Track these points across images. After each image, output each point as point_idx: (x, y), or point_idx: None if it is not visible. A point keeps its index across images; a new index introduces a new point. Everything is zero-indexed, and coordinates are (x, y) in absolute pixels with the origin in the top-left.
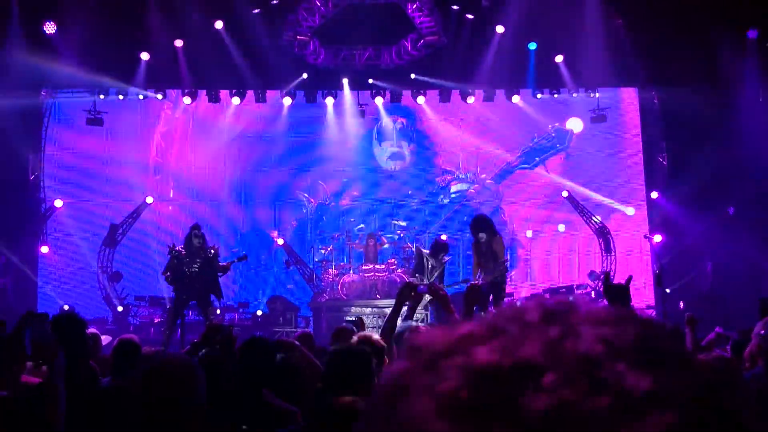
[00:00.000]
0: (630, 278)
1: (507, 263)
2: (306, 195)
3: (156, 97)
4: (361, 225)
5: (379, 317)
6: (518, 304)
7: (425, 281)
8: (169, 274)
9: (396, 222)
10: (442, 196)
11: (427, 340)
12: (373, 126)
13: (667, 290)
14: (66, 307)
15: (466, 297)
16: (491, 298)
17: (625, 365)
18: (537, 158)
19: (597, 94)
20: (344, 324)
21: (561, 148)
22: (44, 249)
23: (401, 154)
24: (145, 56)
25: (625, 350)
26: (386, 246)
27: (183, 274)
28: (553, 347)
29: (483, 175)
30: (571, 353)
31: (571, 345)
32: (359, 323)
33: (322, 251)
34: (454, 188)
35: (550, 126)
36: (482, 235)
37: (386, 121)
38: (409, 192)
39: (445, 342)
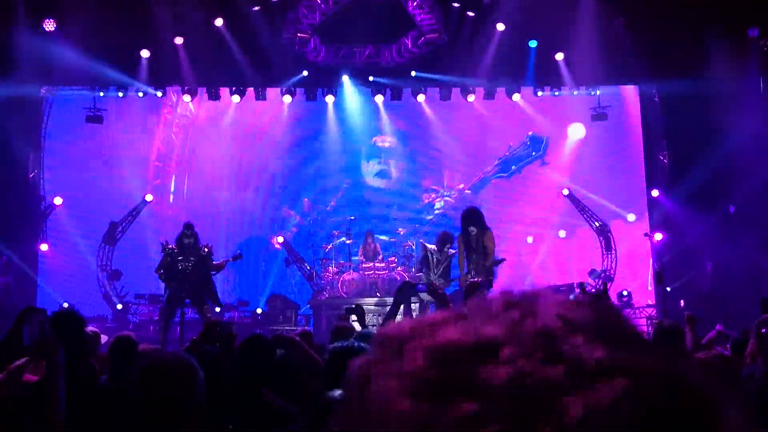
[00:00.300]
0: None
1: (503, 260)
2: (293, 212)
3: (156, 95)
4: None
5: (379, 315)
6: (485, 296)
7: (432, 276)
8: (162, 272)
9: (377, 237)
10: (425, 213)
11: (394, 329)
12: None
13: (668, 289)
14: (66, 305)
15: (467, 294)
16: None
17: (581, 339)
18: (513, 167)
19: (598, 92)
20: (344, 311)
21: (537, 155)
22: (44, 247)
23: (387, 172)
24: (145, 53)
25: (581, 327)
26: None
27: (176, 272)
28: (513, 326)
29: (461, 185)
30: (529, 329)
31: (531, 322)
32: (359, 311)
33: (324, 248)
34: (437, 204)
35: (527, 135)
36: (472, 229)
37: (376, 138)
38: (395, 208)
39: (410, 328)
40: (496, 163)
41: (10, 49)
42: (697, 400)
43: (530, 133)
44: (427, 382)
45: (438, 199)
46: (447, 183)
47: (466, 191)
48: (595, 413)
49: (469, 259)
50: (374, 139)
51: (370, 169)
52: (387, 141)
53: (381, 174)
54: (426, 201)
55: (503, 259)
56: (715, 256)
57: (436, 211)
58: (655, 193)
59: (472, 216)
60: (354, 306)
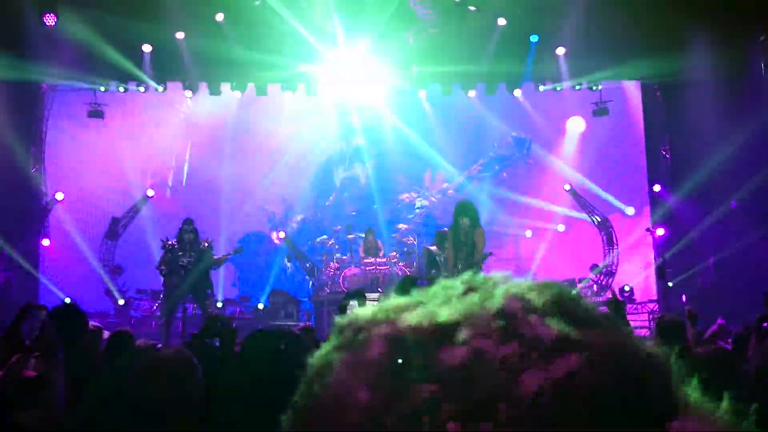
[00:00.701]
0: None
1: (490, 254)
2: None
3: (157, 90)
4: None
5: None
6: (448, 281)
7: (445, 275)
8: (163, 268)
9: (358, 234)
10: (406, 212)
11: (351, 318)
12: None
13: (670, 284)
14: (68, 300)
15: None
16: None
17: (538, 318)
18: (497, 167)
19: (599, 87)
20: (345, 297)
21: (519, 157)
22: (46, 242)
23: (354, 178)
24: (147, 48)
25: (539, 308)
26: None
27: (177, 268)
28: (470, 309)
29: (445, 184)
30: (487, 310)
31: (489, 304)
32: (361, 295)
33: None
34: (418, 203)
35: (511, 136)
36: (465, 221)
37: (343, 144)
38: (375, 207)
39: (368, 317)
40: (480, 162)
41: (11, 44)
42: (646, 370)
43: (513, 134)
44: (385, 370)
45: (419, 199)
46: (428, 183)
47: (450, 192)
48: (551, 387)
49: (457, 254)
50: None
51: (337, 177)
52: (355, 142)
53: (347, 180)
54: (407, 201)
55: (491, 253)
56: (717, 251)
57: (417, 210)
58: (656, 188)
59: (467, 208)
60: (356, 290)
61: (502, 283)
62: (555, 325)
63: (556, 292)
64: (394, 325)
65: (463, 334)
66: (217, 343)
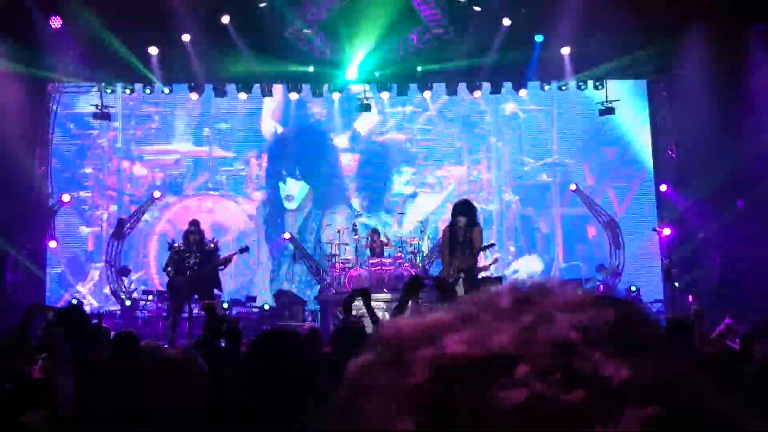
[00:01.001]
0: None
1: (492, 245)
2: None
3: (163, 91)
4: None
5: (386, 312)
6: (493, 289)
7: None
8: (170, 269)
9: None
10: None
11: (392, 332)
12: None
13: (676, 284)
14: (74, 302)
15: (441, 289)
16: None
17: (602, 353)
18: None
19: (605, 87)
20: (349, 296)
21: None
22: (52, 243)
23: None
24: (153, 50)
25: (601, 337)
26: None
27: (184, 269)
28: (526, 335)
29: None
30: (544, 341)
31: (545, 332)
32: (366, 293)
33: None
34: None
35: None
36: (461, 219)
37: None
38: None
39: (411, 333)
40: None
41: (17, 46)
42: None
43: None
44: (432, 401)
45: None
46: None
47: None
48: None
49: (453, 253)
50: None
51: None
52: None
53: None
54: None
55: (493, 244)
56: (724, 251)
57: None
58: (663, 187)
59: (464, 207)
60: (361, 289)
61: (554, 295)
62: (623, 363)
63: (617, 312)
64: (439, 348)
65: (520, 372)
66: (223, 344)
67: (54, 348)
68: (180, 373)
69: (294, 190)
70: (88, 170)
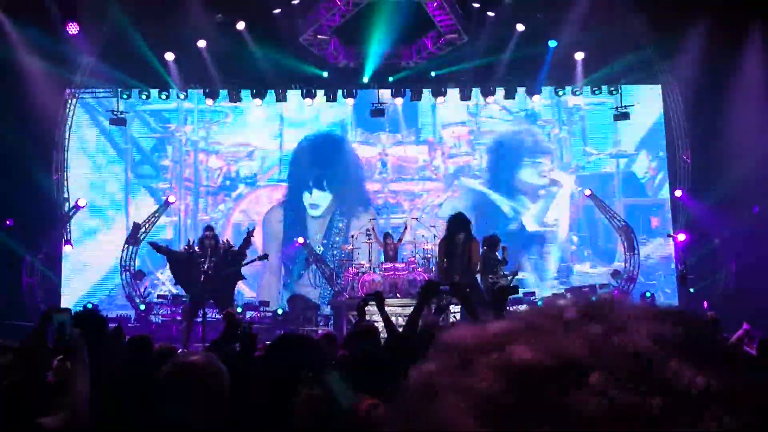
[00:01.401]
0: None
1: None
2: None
3: (179, 97)
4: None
5: (398, 317)
6: (553, 302)
7: (501, 280)
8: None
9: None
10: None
11: (458, 338)
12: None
13: (691, 290)
14: (90, 306)
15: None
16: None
17: (678, 362)
18: None
19: (620, 92)
20: (363, 300)
21: None
22: (68, 248)
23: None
24: (169, 56)
25: (675, 346)
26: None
27: (198, 273)
28: (598, 344)
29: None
30: (618, 350)
31: (618, 341)
32: (379, 297)
33: (344, 247)
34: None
35: None
36: (460, 235)
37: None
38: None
39: (478, 339)
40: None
41: (35, 52)
42: None
43: None
44: (501, 406)
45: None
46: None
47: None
48: None
49: (451, 267)
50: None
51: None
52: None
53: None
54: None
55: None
56: (739, 256)
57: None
58: (678, 193)
59: (461, 222)
60: (375, 293)
61: (620, 306)
62: (698, 372)
63: (687, 324)
64: (507, 354)
65: (594, 379)
66: (238, 349)
67: (69, 350)
68: (205, 381)
69: (318, 198)
70: (167, 162)
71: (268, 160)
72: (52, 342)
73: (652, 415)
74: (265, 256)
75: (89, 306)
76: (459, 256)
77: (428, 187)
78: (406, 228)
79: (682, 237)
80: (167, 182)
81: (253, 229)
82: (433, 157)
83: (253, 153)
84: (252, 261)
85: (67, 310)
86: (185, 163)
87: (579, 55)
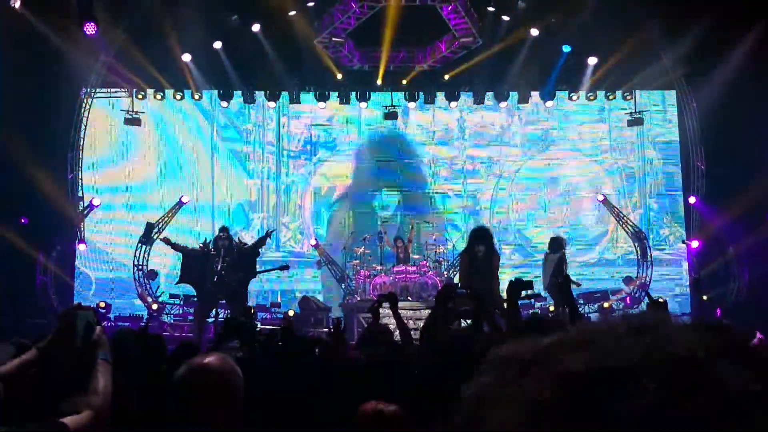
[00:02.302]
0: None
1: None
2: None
3: (193, 97)
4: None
5: (409, 320)
6: (604, 319)
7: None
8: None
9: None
10: None
11: (512, 351)
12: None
13: (705, 297)
14: (102, 304)
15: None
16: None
17: (723, 366)
18: None
19: (634, 97)
20: (377, 301)
21: None
22: (82, 247)
23: None
24: (186, 57)
25: (720, 353)
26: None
27: (211, 274)
28: (647, 353)
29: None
30: (667, 357)
31: (667, 350)
32: (393, 298)
33: (356, 251)
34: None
35: None
36: (481, 248)
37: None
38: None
39: (532, 352)
40: None
41: (51, 51)
42: None
43: None
44: (556, 412)
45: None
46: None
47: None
48: None
49: (473, 280)
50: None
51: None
52: None
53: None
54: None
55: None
56: (753, 263)
57: None
58: (692, 200)
59: (483, 235)
60: (389, 294)
61: (664, 324)
62: (740, 374)
63: (727, 335)
64: (561, 365)
65: (644, 383)
66: (236, 344)
67: (94, 349)
68: (220, 383)
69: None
70: (250, 127)
71: (347, 127)
72: (76, 341)
73: (698, 413)
74: (286, 267)
75: (101, 305)
76: (481, 269)
77: (505, 152)
78: (411, 229)
79: (695, 244)
80: (250, 146)
81: (272, 231)
82: (510, 123)
83: (333, 118)
84: (272, 270)
85: (91, 308)
86: (267, 128)
87: (592, 60)
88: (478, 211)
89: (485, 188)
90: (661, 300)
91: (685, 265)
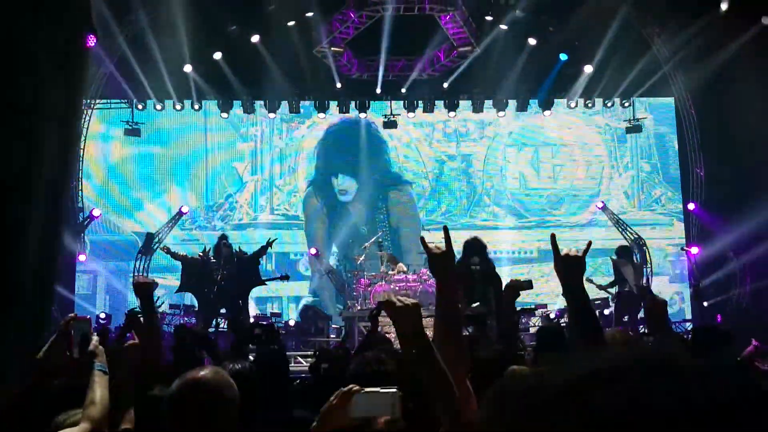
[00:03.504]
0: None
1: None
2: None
3: (193, 108)
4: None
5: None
6: (620, 349)
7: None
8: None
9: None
10: None
11: (540, 382)
12: None
13: (705, 303)
14: (102, 315)
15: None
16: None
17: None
18: None
19: (632, 105)
20: (375, 309)
21: None
22: (82, 257)
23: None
24: (188, 68)
25: (741, 400)
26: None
27: (211, 283)
28: (681, 395)
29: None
30: (700, 403)
31: (698, 394)
32: (390, 305)
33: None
34: None
35: None
36: (475, 259)
37: None
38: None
39: (560, 384)
40: None
41: (49, 61)
42: None
43: None
44: None
45: None
46: None
47: None
48: None
49: (472, 296)
50: None
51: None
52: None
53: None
54: None
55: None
56: (753, 270)
57: None
58: (691, 206)
59: (477, 246)
60: (386, 300)
61: (685, 360)
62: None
63: (742, 375)
64: (592, 400)
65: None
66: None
67: (90, 360)
68: (215, 397)
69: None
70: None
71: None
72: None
73: None
74: (286, 277)
75: (102, 315)
76: (478, 282)
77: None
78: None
79: (695, 250)
80: (249, 156)
81: (273, 240)
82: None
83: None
84: (272, 280)
85: (87, 318)
86: (267, 137)
87: (589, 68)
88: (471, 174)
89: (478, 151)
90: (660, 300)
91: (686, 271)
